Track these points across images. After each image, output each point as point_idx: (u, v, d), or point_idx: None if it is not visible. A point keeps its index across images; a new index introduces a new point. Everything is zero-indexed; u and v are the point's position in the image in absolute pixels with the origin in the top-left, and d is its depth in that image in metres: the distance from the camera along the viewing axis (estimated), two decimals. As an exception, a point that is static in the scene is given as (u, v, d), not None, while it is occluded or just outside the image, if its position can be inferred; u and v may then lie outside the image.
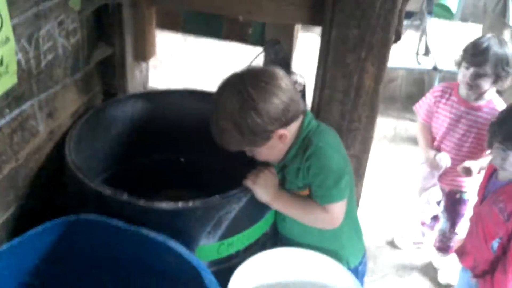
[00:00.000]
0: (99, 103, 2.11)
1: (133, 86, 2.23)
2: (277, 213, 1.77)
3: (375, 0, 1.72)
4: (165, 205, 1.57)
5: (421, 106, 2.55)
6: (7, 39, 1.49)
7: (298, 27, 2.23)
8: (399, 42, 1.98)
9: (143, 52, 2.19)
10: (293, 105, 1.55)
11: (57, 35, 1.75)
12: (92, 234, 1.55)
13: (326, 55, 1.84)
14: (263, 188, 1.62)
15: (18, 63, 1.58)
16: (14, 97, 1.59)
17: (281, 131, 1.54)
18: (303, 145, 1.59)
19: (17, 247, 1.48)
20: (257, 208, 1.70)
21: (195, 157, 2.28)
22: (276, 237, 1.86)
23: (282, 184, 1.68)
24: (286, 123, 1.55)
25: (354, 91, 1.89)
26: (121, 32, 2.06)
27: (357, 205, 2.12)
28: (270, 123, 1.51)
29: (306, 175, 1.60)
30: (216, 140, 1.59)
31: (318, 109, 1.95)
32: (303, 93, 2.11)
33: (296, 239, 1.77)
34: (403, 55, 4.55)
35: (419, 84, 4.52)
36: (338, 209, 1.62)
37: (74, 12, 1.82)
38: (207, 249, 1.64)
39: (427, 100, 2.53)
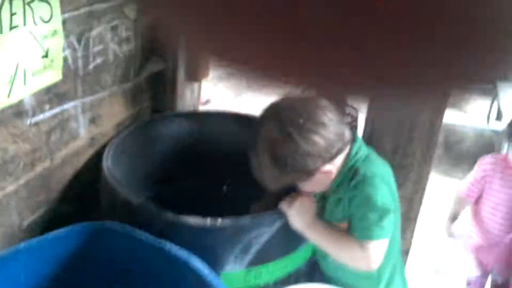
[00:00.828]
0: (146, 118, 2.07)
1: (183, 106, 2.19)
2: (318, 249, 1.63)
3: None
4: (192, 220, 1.47)
5: (467, 183, 2.33)
6: (55, 32, 1.48)
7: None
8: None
9: (196, 72, 2.15)
10: (337, 140, 1.42)
11: (109, 39, 1.73)
12: (115, 243, 1.47)
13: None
14: (298, 214, 1.50)
15: (65, 59, 1.56)
16: (57, 94, 1.56)
17: (326, 168, 1.42)
18: (349, 174, 1.46)
19: (36, 248, 1.41)
20: (291, 237, 1.57)
21: (239, 185, 2.18)
22: (312, 277, 1.70)
23: (320, 215, 1.55)
24: (330, 159, 1.42)
25: (408, 123, 1.75)
26: (175, 47, 2.03)
27: (405, 252, 1.95)
28: (313, 162, 1.39)
29: (347, 207, 1.46)
30: (256, 177, 1.48)
31: (369, 142, 1.82)
32: (354, 125, 1.99)
33: (335, 278, 1.61)
34: (473, 118, 4.40)
35: (488, 147, 4.32)
36: (377, 248, 1.46)
37: (130, 20, 1.81)
38: (232, 275, 1.52)
39: (473, 177, 2.30)
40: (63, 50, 1.53)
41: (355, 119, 2.01)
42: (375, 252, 1.45)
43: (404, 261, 1.99)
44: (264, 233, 1.51)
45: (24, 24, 1.36)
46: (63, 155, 1.66)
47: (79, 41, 1.60)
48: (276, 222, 1.52)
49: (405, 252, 2.00)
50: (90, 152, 1.79)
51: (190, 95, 2.23)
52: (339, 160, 1.44)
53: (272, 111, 1.45)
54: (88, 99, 1.71)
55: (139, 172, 2.00)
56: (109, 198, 1.62)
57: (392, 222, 1.46)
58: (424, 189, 1.89)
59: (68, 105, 1.62)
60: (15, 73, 1.38)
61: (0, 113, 1.38)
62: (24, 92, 1.43)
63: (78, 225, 1.47)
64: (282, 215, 1.51)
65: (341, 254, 1.49)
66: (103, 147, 1.78)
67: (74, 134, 1.69)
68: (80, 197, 1.76)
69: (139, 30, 1.88)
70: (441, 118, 1.76)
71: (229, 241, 1.49)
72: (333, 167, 1.43)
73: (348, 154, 1.46)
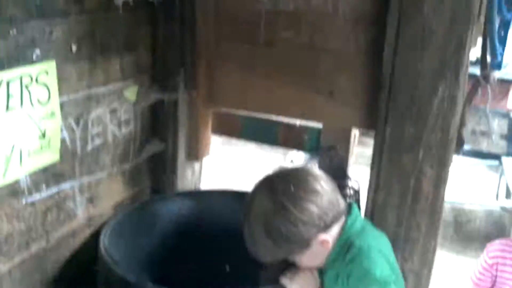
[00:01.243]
0: (145, 199, 2.07)
1: (184, 185, 2.19)
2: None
3: (432, 98, 1.63)
4: (188, 297, 1.43)
5: (478, 270, 2.25)
6: (52, 114, 1.52)
7: (355, 133, 2.15)
8: (461, 150, 1.83)
9: (196, 151, 2.17)
10: (332, 208, 1.41)
11: (108, 121, 1.77)
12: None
13: (380, 154, 1.73)
14: (297, 286, 1.45)
15: (63, 141, 1.59)
16: (54, 174, 1.58)
17: (322, 237, 1.40)
18: (344, 248, 1.42)
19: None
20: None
21: (242, 264, 2.13)
22: None
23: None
24: (325, 228, 1.41)
25: (411, 195, 1.74)
26: (175, 129, 2.07)
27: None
28: (307, 230, 1.38)
29: (346, 283, 1.41)
30: (250, 253, 1.47)
31: (372, 214, 1.80)
32: (357, 199, 1.97)
33: None
34: (482, 196, 4.37)
35: (498, 225, 4.26)
36: None
37: (130, 103, 1.86)
38: None
39: (482, 263, 2.21)
40: (61, 131, 1.56)
41: (357, 192, 1.99)
42: None
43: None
44: (264, 307, 1.46)
45: (21, 106, 1.41)
46: (59, 236, 1.65)
47: (77, 122, 1.63)
48: (277, 296, 1.47)
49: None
50: (87, 232, 1.77)
51: (191, 174, 2.23)
52: (335, 230, 1.42)
53: (264, 182, 1.45)
54: (86, 179, 1.72)
55: (139, 253, 1.97)
56: (105, 277, 1.59)
57: None
58: (431, 263, 1.83)
59: (65, 185, 1.63)
60: (11, 153, 1.40)
61: (-5, 193, 1.39)
62: (20, 172, 1.45)
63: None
64: (284, 288, 1.47)
65: None
66: (101, 227, 1.77)
67: (71, 214, 1.68)
68: (76, 278, 1.73)
69: (139, 112, 1.92)
70: (444, 189, 1.74)
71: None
72: (329, 237, 1.40)
73: (343, 226, 1.43)
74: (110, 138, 1.80)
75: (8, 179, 1.41)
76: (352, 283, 1.39)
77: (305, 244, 1.39)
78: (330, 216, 1.39)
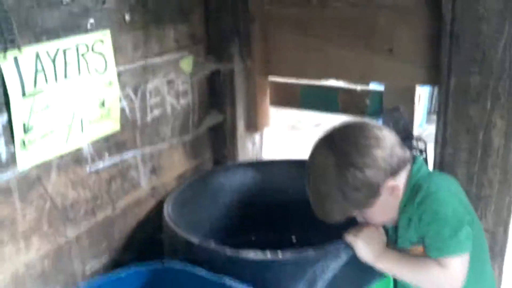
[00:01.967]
0: (207, 170, 2.07)
1: (245, 157, 2.19)
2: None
3: (498, 42, 1.53)
4: (252, 255, 1.43)
5: None
6: (110, 83, 1.54)
7: (418, 91, 2.07)
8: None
9: (255, 122, 2.16)
10: (396, 152, 1.37)
11: (165, 92, 1.79)
12: (176, 282, 1.44)
13: (446, 107, 1.65)
14: (366, 244, 1.41)
15: (122, 110, 1.61)
16: (116, 143, 1.61)
17: (391, 183, 1.35)
18: (413, 192, 1.37)
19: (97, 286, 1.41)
20: (361, 272, 1.47)
21: (309, 236, 2.10)
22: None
23: (394, 245, 1.45)
24: (392, 172, 1.36)
25: (481, 149, 1.65)
26: (233, 100, 2.06)
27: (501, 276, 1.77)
28: (373, 175, 1.33)
29: (418, 226, 1.36)
30: (318, 214, 1.43)
31: (440, 172, 1.72)
32: (424, 159, 1.89)
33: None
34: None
35: None
36: (458, 264, 1.32)
37: (186, 74, 1.87)
38: (300, 314, 1.43)
39: None
40: (120, 100, 1.59)
41: (423, 152, 1.91)
42: (456, 269, 1.32)
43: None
44: (329, 266, 1.43)
45: (79, 74, 1.44)
46: (124, 204, 1.68)
47: (135, 93, 1.65)
48: (342, 254, 1.43)
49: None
50: (151, 202, 1.80)
51: (251, 146, 2.22)
52: (403, 177, 1.37)
53: (323, 137, 1.42)
54: (147, 149, 1.74)
55: (202, 223, 1.98)
56: (170, 242, 1.61)
57: (470, 235, 1.34)
58: (508, 221, 1.73)
59: (127, 155, 1.66)
60: (72, 121, 1.43)
61: (60, 159, 1.42)
62: (82, 140, 1.48)
63: (138, 265, 1.46)
64: (349, 247, 1.43)
65: (420, 278, 1.37)
66: (164, 197, 1.79)
67: (135, 183, 1.71)
68: (142, 247, 1.75)
69: (196, 83, 1.93)
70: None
71: (292, 276, 1.42)
72: (398, 183, 1.35)
73: (410, 172, 1.38)
74: (168, 109, 1.81)
75: (71, 147, 1.45)
76: (424, 226, 1.34)
77: (374, 192, 1.34)
78: (395, 160, 1.34)
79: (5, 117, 1.26)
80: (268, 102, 2.20)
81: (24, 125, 1.30)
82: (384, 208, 1.39)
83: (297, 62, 2.03)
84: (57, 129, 1.39)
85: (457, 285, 1.33)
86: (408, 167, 1.40)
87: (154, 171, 1.79)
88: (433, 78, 1.75)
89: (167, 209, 1.67)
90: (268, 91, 2.19)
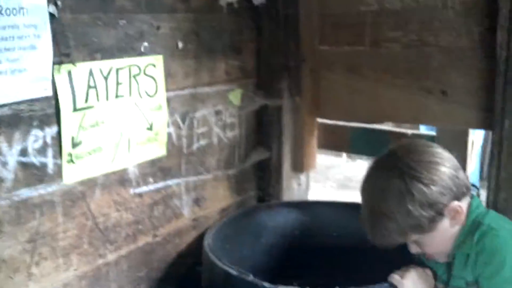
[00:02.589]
0: (251, 206, 2.04)
1: (289, 197, 2.14)
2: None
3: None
4: (291, 288, 1.36)
5: None
6: (159, 107, 1.55)
7: (473, 139, 2.00)
8: None
9: (302, 162, 2.12)
10: (460, 175, 1.30)
11: (213, 123, 1.79)
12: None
13: (500, 150, 1.58)
14: (413, 286, 1.33)
15: (169, 136, 1.62)
16: (161, 168, 1.61)
17: (455, 204, 1.27)
18: (473, 228, 1.30)
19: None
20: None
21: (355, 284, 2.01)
22: None
23: (446, 285, 1.36)
24: (457, 195, 1.28)
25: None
26: (279, 137, 2.04)
27: None
28: (441, 194, 1.25)
29: (474, 264, 1.28)
30: (372, 236, 1.35)
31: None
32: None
33: None
34: None
35: None
36: None
37: (234, 106, 1.87)
38: None
39: None
40: (168, 126, 1.59)
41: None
42: None
43: None
44: (373, 309, 1.35)
45: (130, 94, 1.46)
46: (165, 232, 1.65)
47: (183, 120, 1.66)
48: (387, 296, 1.35)
49: None
50: (193, 234, 1.77)
51: (297, 187, 2.18)
52: (464, 204, 1.30)
53: (385, 158, 1.35)
54: (192, 179, 1.73)
55: (243, 262, 1.91)
56: (208, 274, 1.56)
57: None
58: None
59: (171, 182, 1.65)
60: (119, 141, 1.44)
61: (105, 177, 1.42)
62: (128, 161, 1.48)
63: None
64: (392, 288, 1.35)
65: None
66: (206, 230, 1.75)
67: (177, 212, 1.69)
68: (181, 279, 1.71)
69: (244, 117, 1.93)
70: None
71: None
72: (462, 206, 1.28)
73: (470, 206, 1.31)
74: (215, 140, 1.81)
75: (117, 166, 1.45)
76: (481, 265, 1.26)
77: (438, 212, 1.25)
78: (460, 182, 1.28)
79: (54, 129, 1.28)
80: (315, 143, 2.17)
81: (72, 139, 1.31)
82: (443, 236, 1.30)
83: (347, 104, 2.01)
84: (105, 147, 1.40)
85: None
86: (468, 197, 1.33)
87: (197, 201, 1.77)
88: (487, 121, 1.69)
89: (208, 240, 1.63)
90: (315, 132, 2.16)
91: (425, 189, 1.23)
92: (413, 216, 1.24)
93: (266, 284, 1.39)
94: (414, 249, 1.35)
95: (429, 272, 1.38)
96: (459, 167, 1.32)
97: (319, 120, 2.20)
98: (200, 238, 1.76)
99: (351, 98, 1.98)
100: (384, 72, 1.89)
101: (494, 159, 1.62)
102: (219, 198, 1.88)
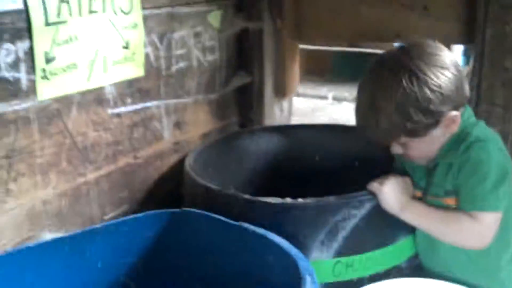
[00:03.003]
0: (233, 131, 2.04)
1: (272, 123, 2.14)
2: (423, 242, 1.44)
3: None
4: (271, 200, 1.38)
5: None
6: (135, 25, 1.52)
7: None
8: None
9: (284, 87, 2.11)
10: (465, 85, 1.29)
11: (192, 45, 1.76)
12: (194, 227, 1.40)
13: (481, 60, 1.58)
14: (391, 194, 1.34)
15: (147, 56, 1.59)
16: (139, 89, 1.59)
17: (453, 113, 1.25)
18: (460, 138, 1.29)
19: (113, 231, 1.37)
20: (386, 225, 1.40)
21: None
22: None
23: (425, 192, 1.38)
24: (457, 106, 1.26)
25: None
26: (261, 62, 2.02)
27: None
28: (443, 101, 1.22)
29: (457, 174, 1.28)
30: (362, 128, 1.32)
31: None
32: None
33: (443, 273, 1.40)
34: None
35: None
36: (491, 221, 1.25)
37: (213, 29, 1.84)
38: (319, 265, 1.37)
39: None
40: (145, 46, 1.56)
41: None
42: (489, 225, 1.25)
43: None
44: (352, 216, 1.37)
45: (104, 10, 1.42)
46: (146, 155, 1.65)
47: (161, 40, 1.63)
48: (366, 204, 1.37)
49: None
50: (174, 157, 1.77)
51: (279, 113, 2.18)
52: (459, 114, 1.27)
53: (392, 53, 1.30)
54: (171, 101, 1.72)
55: (225, 187, 1.94)
56: (189, 192, 1.57)
57: (507, 194, 1.27)
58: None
59: (151, 104, 1.64)
60: (95, 58, 1.42)
61: (81, 96, 1.41)
62: (105, 80, 1.46)
63: (157, 211, 1.42)
64: (373, 197, 1.37)
65: (448, 230, 1.30)
66: (188, 154, 1.75)
67: (158, 135, 1.68)
68: (163, 201, 1.71)
69: (224, 40, 1.90)
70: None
71: (313, 224, 1.36)
72: (457, 116, 1.26)
73: (461, 115, 1.29)
74: (195, 62, 1.79)
75: (93, 85, 1.43)
76: (464, 175, 1.26)
77: (435, 118, 1.24)
78: (462, 93, 1.26)
79: (27, 44, 1.25)
80: (297, 68, 2.15)
81: (45, 54, 1.29)
82: (432, 142, 1.30)
83: (330, 25, 1.99)
84: (80, 64, 1.38)
85: (486, 241, 1.26)
86: (463, 108, 1.31)
87: (178, 125, 1.76)
88: (469, 35, 1.68)
89: (189, 160, 1.64)
90: (297, 56, 2.14)
91: (430, 95, 1.21)
92: (411, 120, 1.22)
93: (246, 196, 1.40)
94: (396, 149, 1.33)
95: (408, 180, 1.39)
96: (465, 77, 1.29)
97: (302, 46, 2.18)
98: (182, 162, 1.76)
99: (333, 19, 1.96)
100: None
101: (475, 71, 1.62)
102: (200, 123, 1.87)
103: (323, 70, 2.25)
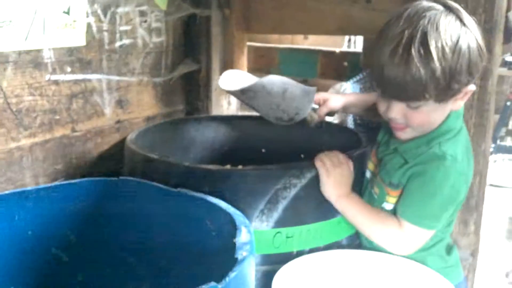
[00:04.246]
0: (179, 118, 2.00)
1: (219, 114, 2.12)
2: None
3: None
4: (212, 167, 1.35)
5: None
6: (77, -9, 1.49)
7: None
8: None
9: (231, 77, 2.10)
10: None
11: (137, 23, 1.74)
12: (131, 194, 1.35)
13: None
14: (333, 184, 1.32)
15: (89, 26, 1.55)
16: (79, 59, 1.55)
17: (470, 87, 1.18)
18: (434, 139, 1.23)
19: (45, 196, 1.31)
20: (328, 204, 1.39)
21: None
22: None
23: (375, 173, 1.38)
24: (474, 81, 1.19)
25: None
26: (208, 50, 2.02)
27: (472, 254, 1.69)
28: (477, 69, 1.15)
29: (407, 178, 1.25)
30: (394, 80, 1.13)
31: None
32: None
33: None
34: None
35: None
36: (419, 236, 1.24)
37: (160, 10, 1.82)
38: (260, 235, 1.34)
39: None
40: (87, 15, 1.53)
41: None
42: (415, 239, 1.26)
43: (473, 263, 1.72)
44: (292, 186, 1.35)
45: (45, -29, 1.38)
46: (85, 129, 1.60)
47: (104, 13, 1.60)
48: (307, 174, 1.36)
49: (472, 254, 1.73)
50: (116, 136, 1.72)
51: (227, 105, 2.16)
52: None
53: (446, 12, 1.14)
54: (114, 78, 1.68)
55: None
56: (128, 163, 1.53)
57: (449, 216, 1.29)
58: (484, 171, 1.65)
59: (91, 76, 1.59)
60: (33, 19, 1.37)
61: (17, 55, 1.35)
62: (43, 43, 1.42)
63: (93, 178, 1.37)
64: (314, 168, 1.36)
65: (374, 229, 1.30)
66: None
67: (99, 110, 1.64)
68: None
69: (171, 24, 1.88)
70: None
71: (253, 192, 1.33)
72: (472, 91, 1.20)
73: (449, 114, 1.24)
74: (140, 42, 1.76)
75: (30, 46, 1.38)
76: (416, 183, 1.22)
77: (457, 89, 1.14)
78: (480, 66, 1.17)
79: (-42, -8, 1.20)
80: (245, 61, 2.15)
81: (-21, 5, 1.24)
82: (433, 115, 1.20)
83: (276, 17, 2.00)
84: (16, 21, 1.33)
85: (408, 252, 1.26)
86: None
87: (120, 103, 1.72)
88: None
89: (131, 136, 1.59)
90: (245, 50, 2.14)
91: (477, 59, 1.13)
92: (437, 84, 1.11)
93: (186, 163, 1.37)
94: (395, 113, 1.21)
95: (351, 168, 1.38)
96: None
97: (249, 43, 2.19)
98: (123, 142, 1.72)
99: (279, 10, 1.97)
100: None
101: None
102: (145, 105, 1.83)
103: (270, 67, 2.26)
